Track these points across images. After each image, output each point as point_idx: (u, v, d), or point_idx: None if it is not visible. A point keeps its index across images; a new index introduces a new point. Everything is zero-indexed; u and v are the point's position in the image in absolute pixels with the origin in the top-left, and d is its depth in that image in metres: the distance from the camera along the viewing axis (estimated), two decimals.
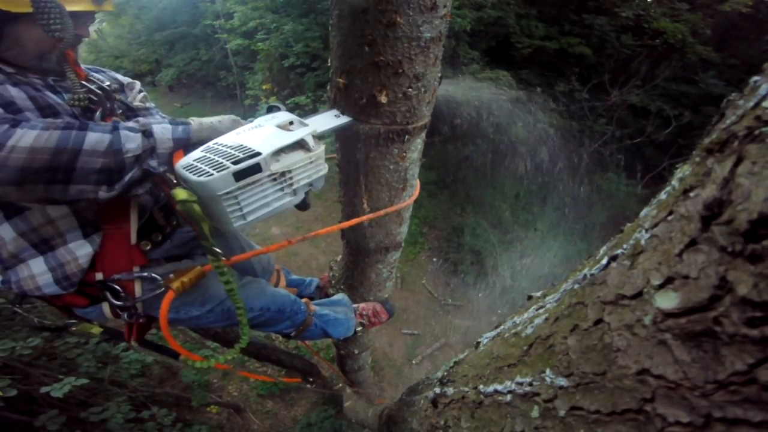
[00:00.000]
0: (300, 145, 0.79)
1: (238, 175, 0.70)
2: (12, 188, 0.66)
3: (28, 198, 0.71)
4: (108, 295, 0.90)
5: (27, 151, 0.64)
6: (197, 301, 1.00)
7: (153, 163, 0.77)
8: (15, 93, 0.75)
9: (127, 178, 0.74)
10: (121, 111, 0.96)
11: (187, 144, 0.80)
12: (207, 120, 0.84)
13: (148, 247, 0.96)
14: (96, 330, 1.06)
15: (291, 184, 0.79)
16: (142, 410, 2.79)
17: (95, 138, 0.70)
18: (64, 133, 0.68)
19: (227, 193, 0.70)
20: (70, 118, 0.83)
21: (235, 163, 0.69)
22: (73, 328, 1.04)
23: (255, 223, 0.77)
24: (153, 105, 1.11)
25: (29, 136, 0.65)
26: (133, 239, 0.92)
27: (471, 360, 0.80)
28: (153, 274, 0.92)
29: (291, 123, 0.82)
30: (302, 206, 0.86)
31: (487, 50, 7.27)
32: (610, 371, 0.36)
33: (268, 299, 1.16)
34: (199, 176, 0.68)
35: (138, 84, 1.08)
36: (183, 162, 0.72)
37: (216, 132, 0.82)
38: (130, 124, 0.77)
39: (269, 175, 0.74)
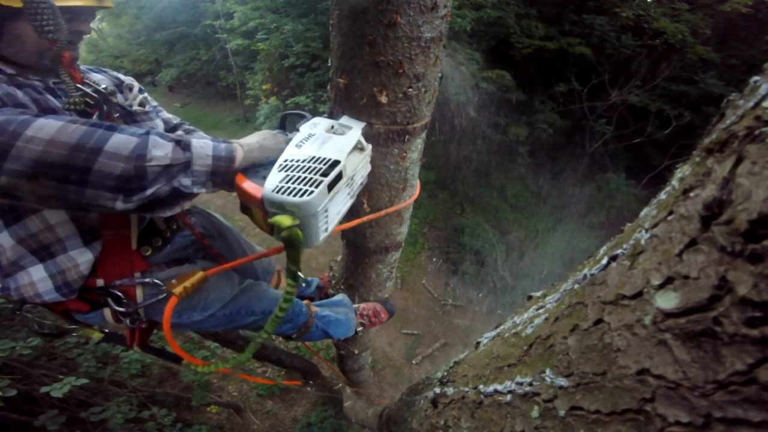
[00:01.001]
0: (355, 146, 0.78)
1: (330, 186, 0.68)
2: (23, 181, 0.61)
3: (41, 194, 0.64)
4: (110, 301, 0.88)
5: (45, 143, 0.60)
6: (199, 306, 0.99)
7: (186, 181, 0.69)
8: (21, 96, 0.73)
9: (149, 191, 0.66)
10: (118, 114, 0.93)
11: (229, 165, 0.73)
12: (252, 140, 0.79)
13: (149, 252, 0.95)
14: (97, 335, 1.05)
15: (353, 186, 0.78)
16: (142, 410, 2.79)
17: (121, 139, 0.64)
18: (89, 129, 0.63)
19: (323, 207, 0.67)
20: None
21: (323, 175, 0.67)
22: (74, 334, 1.03)
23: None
24: (155, 106, 1.08)
25: (52, 127, 0.61)
26: (134, 244, 0.91)
27: (471, 360, 0.80)
28: (154, 280, 0.91)
29: (332, 126, 0.81)
30: None
31: (487, 50, 7.27)
32: (610, 371, 0.36)
33: (270, 302, 1.16)
34: (300, 196, 0.64)
35: (137, 85, 1.04)
36: (270, 186, 0.66)
37: (267, 150, 0.77)
38: (166, 133, 0.71)
39: (345, 181, 0.73)
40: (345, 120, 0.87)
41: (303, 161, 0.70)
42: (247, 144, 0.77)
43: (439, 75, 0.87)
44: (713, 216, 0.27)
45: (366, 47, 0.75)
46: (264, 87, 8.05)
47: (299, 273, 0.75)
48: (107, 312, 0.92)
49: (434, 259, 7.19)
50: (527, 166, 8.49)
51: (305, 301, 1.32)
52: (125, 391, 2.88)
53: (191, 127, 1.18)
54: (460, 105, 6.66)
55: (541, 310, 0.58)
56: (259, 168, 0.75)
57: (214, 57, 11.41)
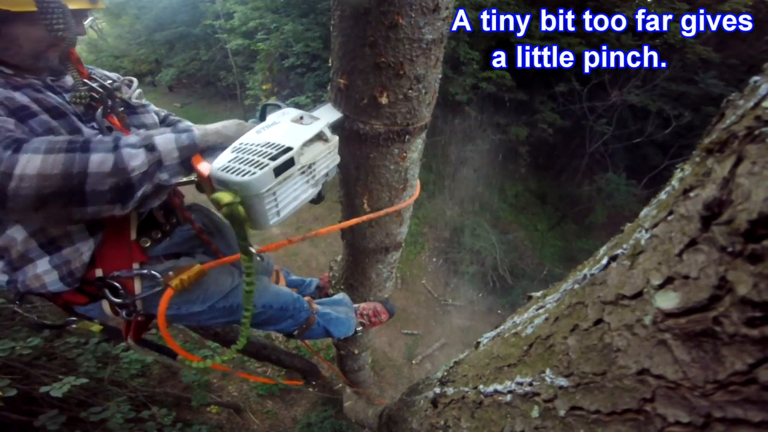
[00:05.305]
0: (318, 136, 0.80)
1: (277, 171, 0.70)
2: (31, 213, 0.66)
3: (53, 219, 0.70)
4: (107, 292, 0.90)
5: (36, 179, 0.64)
6: (198, 299, 1.00)
7: (164, 176, 0.76)
8: (19, 97, 0.75)
9: (139, 194, 0.73)
10: (122, 108, 0.96)
11: (194, 151, 0.78)
12: (211, 126, 0.83)
13: (148, 244, 0.96)
14: (96, 328, 1.06)
15: (314, 176, 0.81)
16: (142, 410, 2.79)
17: (98, 159, 0.69)
18: (68, 156, 0.67)
19: (268, 190, 0.70)
20: (69, 136, 0.82)
21: (272, 159, 0.70)
22: (73, 326, 1.04)
23: (286, 219, 0.79)
24: (146, 102, 1.12)
25: (35, 162, 0.64)
26: (133, 235, 0.93)
27: (471, 360, 0.80)
28: (152, 272, 0.92)
29: (301, 117, 0.83)
30: (318, 198, 0.88)
31: (487, 50, 7.27)
32: (610, 371, 0.36)
33: (271, 297, 1.16)
34: (242, 176, 0.67)
35: (135, 81, 1.09)
36: (218, 165, 0.70)
37: (222, 136, 0.81)
38: (131, 139, 0.75)
39: (299, 169, 0.75)
40: (320, 111, 0.89)
41: (256, 145, 0.73)
42: (204, 129, 0.81)
43: (439, 76, 0.87)
44: (713, 216, 0.27)
45: (367, 48, 0.75)
46: (264, 87, 8.06)
47: (251, 248, 0.79)
48: (105, 304, 0.93)
49: (434, 259, 7.19)
50: (527, 166, 8.49)
51: (307, 298, 1.32)
52: (125, 391, 2.88)
53: (177, 118, 1.22)
54: (460, 105, 6.66)
55: (541, 310, 0.58)
56: (217, 151, 0.78)
57: (214, 57, 11.41)
